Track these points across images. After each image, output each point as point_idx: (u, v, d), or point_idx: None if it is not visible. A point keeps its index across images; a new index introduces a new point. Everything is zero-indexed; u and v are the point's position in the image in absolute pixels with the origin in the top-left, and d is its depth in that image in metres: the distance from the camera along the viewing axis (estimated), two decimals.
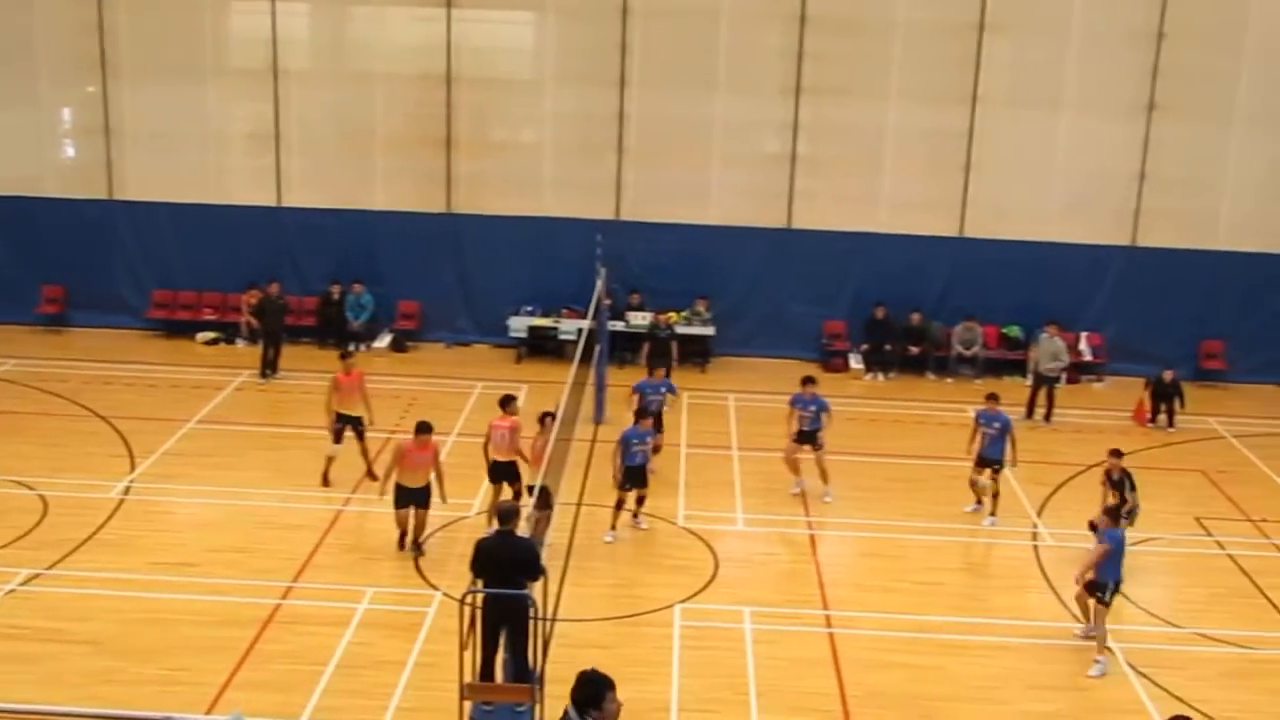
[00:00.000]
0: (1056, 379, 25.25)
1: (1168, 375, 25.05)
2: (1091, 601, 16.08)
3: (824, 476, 20.79)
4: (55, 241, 28.73)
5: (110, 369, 25.97)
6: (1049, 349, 25.10)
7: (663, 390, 21.60)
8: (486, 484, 19.72)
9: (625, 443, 18.99)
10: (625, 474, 18.90)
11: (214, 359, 27.17)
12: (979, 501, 20.21)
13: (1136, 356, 26.85)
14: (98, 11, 27.74)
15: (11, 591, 16.72)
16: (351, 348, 24.37)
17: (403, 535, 18.23)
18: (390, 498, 18.00)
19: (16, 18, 27.98)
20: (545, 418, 18.57)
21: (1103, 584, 15.86)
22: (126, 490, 20.20)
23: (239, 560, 17.87)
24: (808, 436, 20.83)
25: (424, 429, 18.06)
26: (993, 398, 20.44)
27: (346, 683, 14.94)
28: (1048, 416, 25.02)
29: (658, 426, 20.96)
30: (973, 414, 20.54)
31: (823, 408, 20.72)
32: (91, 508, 19.37)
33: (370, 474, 20.35)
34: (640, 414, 20.05)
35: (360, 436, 20.65)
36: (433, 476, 18.07)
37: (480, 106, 28.23)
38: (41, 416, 23.10)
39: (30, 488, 19.88)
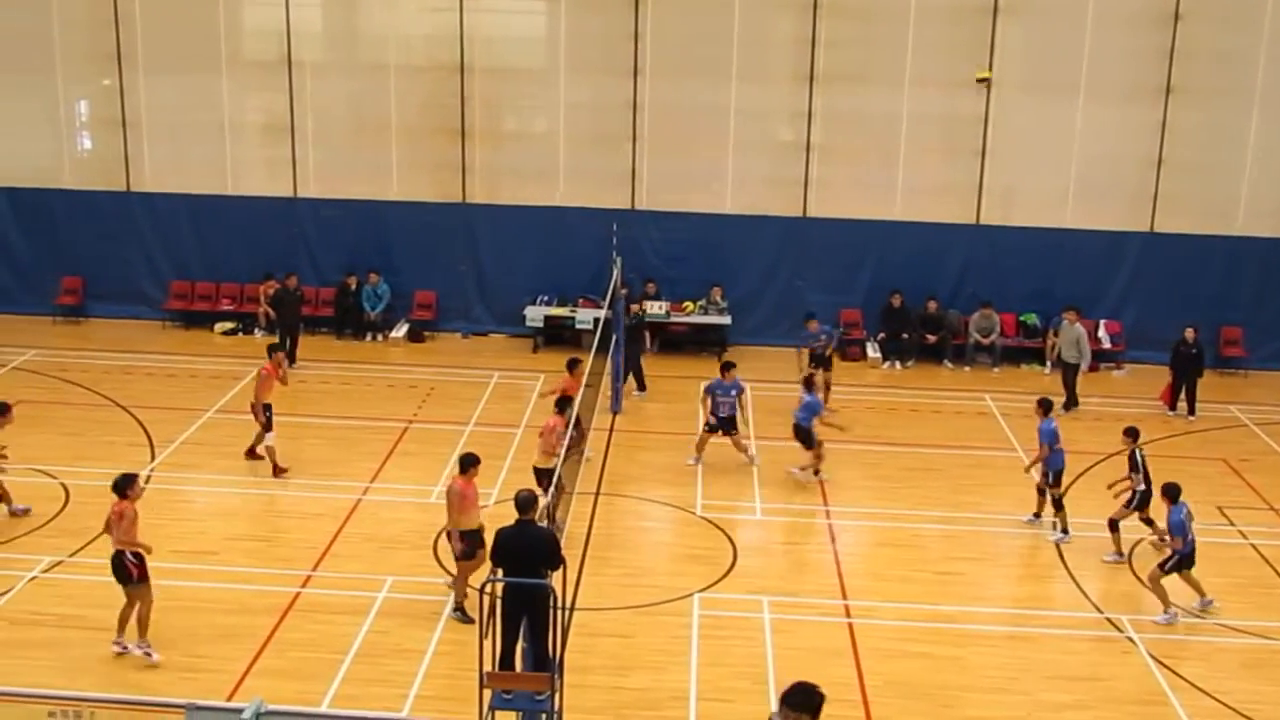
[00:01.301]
0: (1077, 365, 25.04)
1: (1189, 333, 24.76)
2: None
3: (744, 450, 21.33)
4: (74, 233, 28.87)
5: (130, 359, 26.05)
6: (1070, 336, 24.95)
7: (733, 392, 21.51)
8: (504, 473, 19.80)
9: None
10: (718, 421, 21.03)
11: (232, 349, 27.25)
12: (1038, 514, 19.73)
13: (1155, 344, 26.71)
14: (114, 5, 27.82)
15: (34, 578, 16.84)
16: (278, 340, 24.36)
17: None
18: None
19: (34, 11, 28.08)
20: (562, 404, 18.62)
21: (1165, 560, 16.87)
22: (146, 479, 20.23)
23: (259, 549, 17.95)
24: (726, 423, 21.11)
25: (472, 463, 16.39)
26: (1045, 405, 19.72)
27: (366, 671, 15.01)
28: (1069, 405, 24.83)
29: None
30: (1047, 427, 19.29)
31: (741, 390, 21.38)
32: (112, 496, 19.38)
33: (252, 452, 20.92)
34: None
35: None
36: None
37: (494, 96, 28.24)
38: (62, 406, 23.19)
39: (52, 476, 19.98)
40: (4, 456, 18.44)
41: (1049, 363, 26.94)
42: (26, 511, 18.59)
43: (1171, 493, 16.83)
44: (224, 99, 28.44)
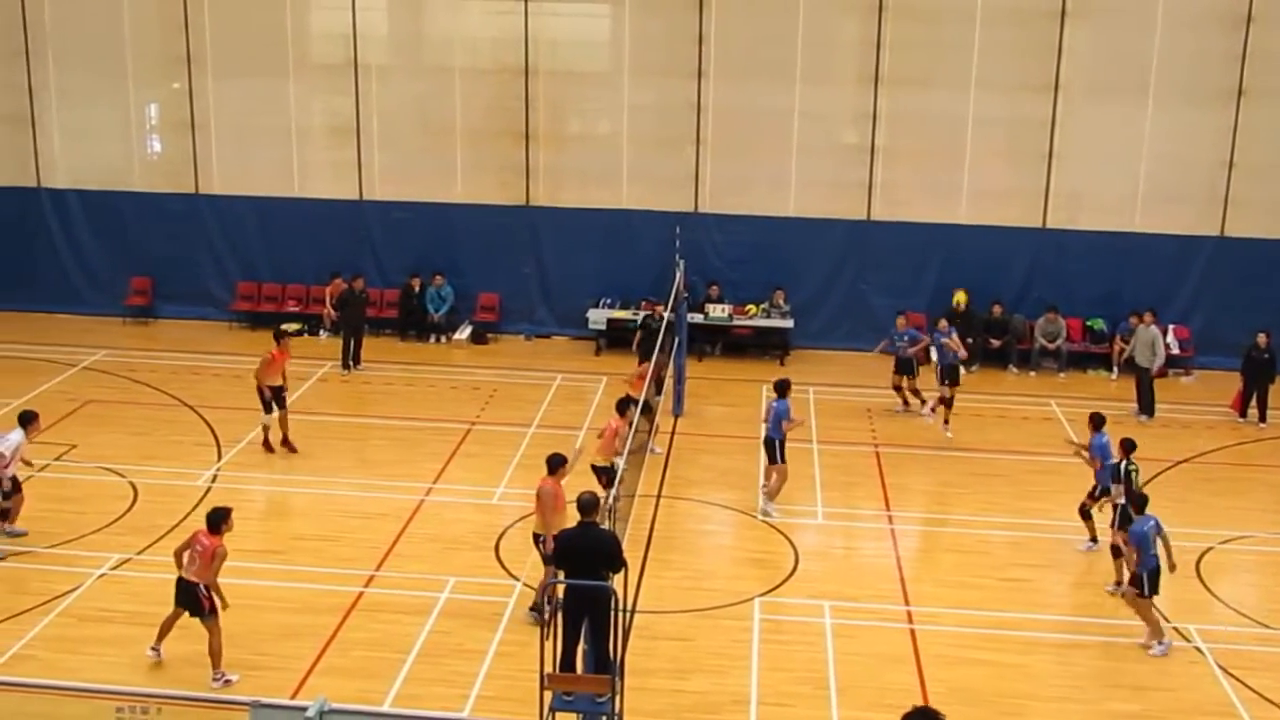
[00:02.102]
0: (1149, 369, 24.69)
1: (1262, 338, 24.31)
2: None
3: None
4: (143, 234, 29.27)
5: (197, 359, 26.35)
6: (1145, 338, 24.59)
7: (905, 337, 23.45)
8: (567, 475, 19.86)
9: (891, 339, 23.65)
10: (896, 364, 23.30)
11: (297, 350, 27.27)
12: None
13: (1224, 349, 26.30)
14: (184, 9, 28.15)
15: (102, 575, 17.06)
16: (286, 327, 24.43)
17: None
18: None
19: (107, 17, 28.48)
20: (623, 406, 18.64)
21: (1138, 577, 15.90)
22: (213, 478, 20.51)
23: (323, 548, 18.08)
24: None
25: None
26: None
27: (428, 671, 15.09)
28: (1147, 410, 24.46)
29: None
30: (1099, 442, 18.53)
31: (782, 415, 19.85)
32: (179, 495, 19.68)
33: (285, 442, 21.34)
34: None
35: (282, 404, 21.37)
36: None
37: (558, 99, 28.31)
38: (131, 405, 23.49)
39: (120, 474, 20.24)
40: (29, 464, 18.52)
41: (1115, 368, 26.63)
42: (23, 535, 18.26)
43: (1140, 503, 16.25)
44: (291, 102, 28.71)
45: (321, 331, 28.15)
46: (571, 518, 13.46)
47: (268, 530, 18.79)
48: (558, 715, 12.63)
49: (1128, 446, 17.70)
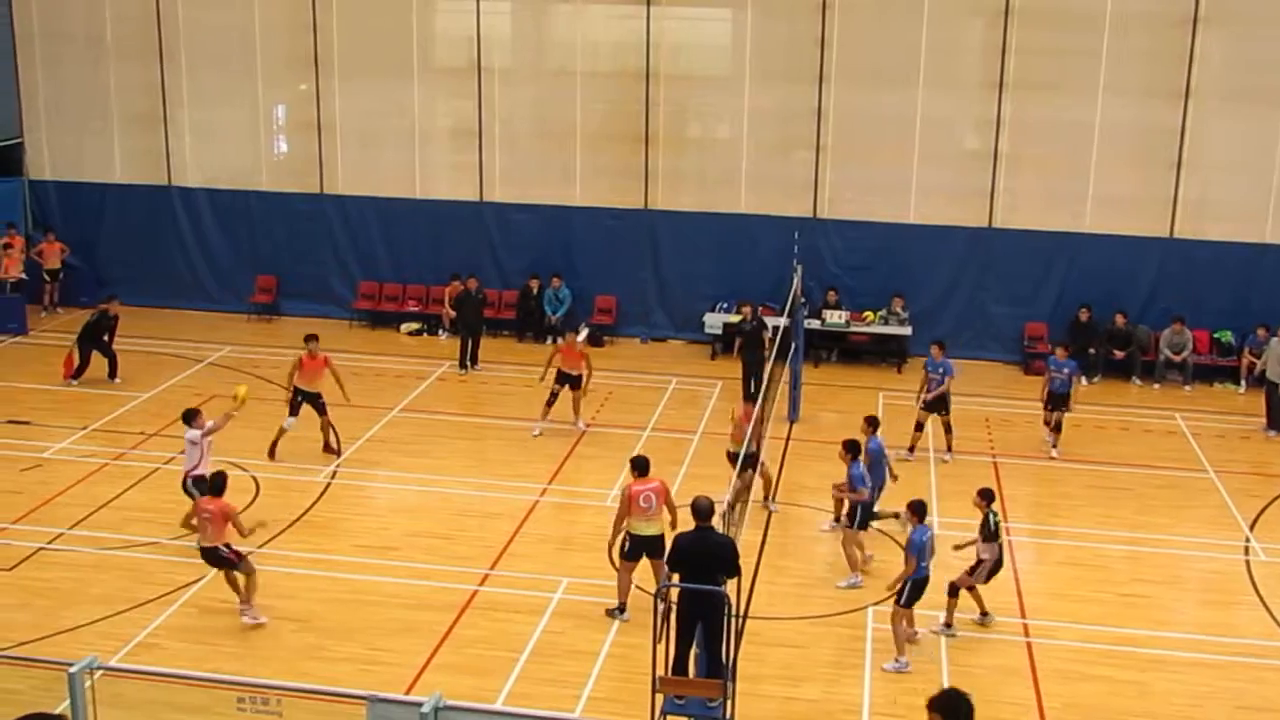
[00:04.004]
0: None
1: None
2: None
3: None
4: (269, 233, 29.88)
5: None
6: (1277, 352, 23.91)
7: (1066, 370, 21.99)
8: (680, 479, 19.86)
9: (1047, 368, 22.40)
10: (1048, 398, 22.03)
11: (416, 350, 27.84)
12: None
13: None
14: (312, 12, 28.66)
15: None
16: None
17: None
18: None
19: (237, 19, 29.13)
20: (749, 400, 18.75)
21: (903, 584, 15.53)
22: (333, 475, 20.85)
23: (438, 546, 18.29)
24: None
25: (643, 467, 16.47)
26: None
27: (540, 670, 15.19)
28: (1277, 425, 23.82)
29: (1065, 406, 21.98)
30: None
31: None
32: (299, 490, 20.06)
33: (327, 447, 21.49)
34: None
35: (322, 411, 21.43)
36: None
37: (678, 103, 28.34)
38: (254, 401, 23.63)
39: (243, 469, 20.65)
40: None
41: (1244, 381, 26.01)
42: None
43: (919, 510, 15.74)
44: (415, 104, 29.08)
45: (441, 332, 28.47)
46: (682, 522, 13.44)
47: (385, 527, 19.04)
48: (669, 719, 12.64)
49: (987, 496, 16.58)
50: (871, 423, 18.59)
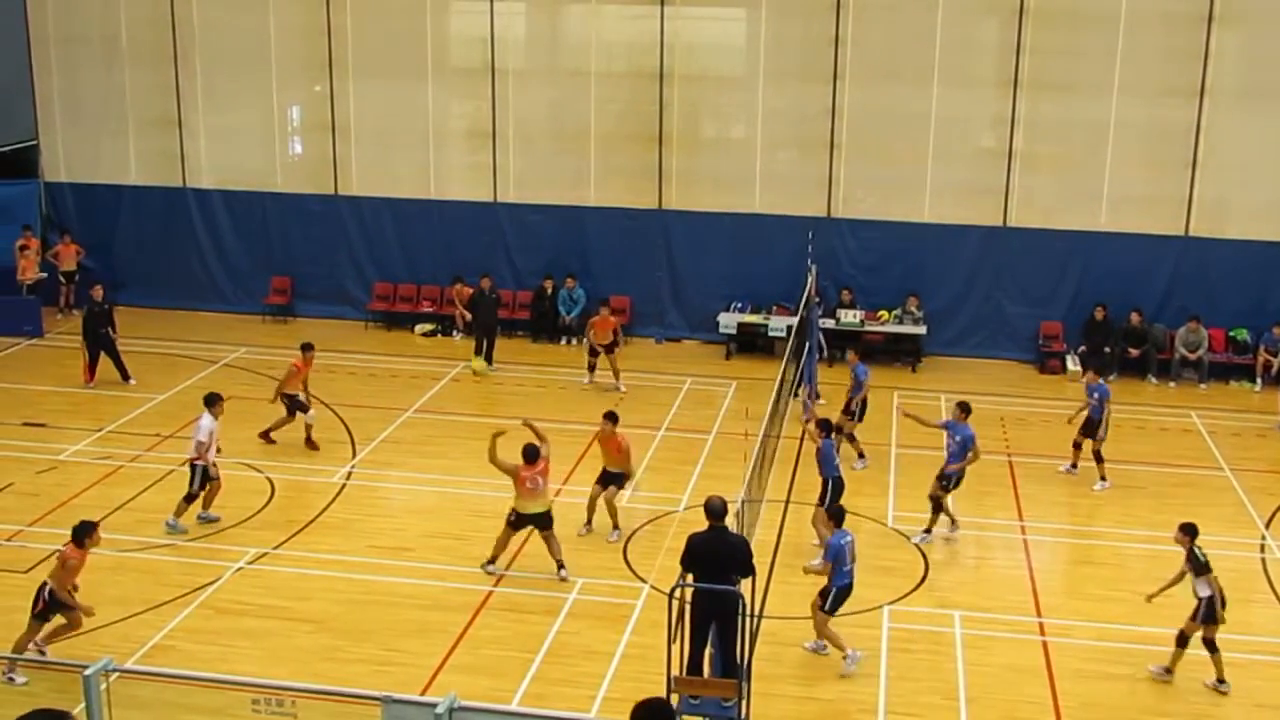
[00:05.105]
0: None
1: None
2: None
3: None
4: (283, 234, 29.96)
5: (333, 358, 26.74)
6: None
7: (1097, 395, 21.05)
8: (694, 479, 19.87)
9: (1090, 392, 21.19)
10: (1085, 425, 21.12)
11: (431, 350, 27.87)
12: None
13: None
14: (326, 14, 28.71)
15: (240, 569, 17.45)
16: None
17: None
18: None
19: (252, 21, 29.18)
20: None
21: (824, 591, 15.41)
22: (348, 475, 20.89)
23: (453, 546, 18.31)
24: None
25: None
26: None
27: (556, 670, 15.20)
28: None
29: (1095, 433, 21.09)
30: None
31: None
32: (315, 491, 20.11)
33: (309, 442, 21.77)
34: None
35: (300, 410, 21.79)
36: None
37: (692, 103, 28.33)
38: (269, 402, 23.93)
39: (259, 470, 20.70)
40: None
41: (1259, 379, 25.94)
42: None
43: (838, 517, 15.64)
44: (429, 106, 29.11)
45: (455, 333, 28.50)
46: (698, 522, 13.43)
47: (400, 528, 19.07)
48: (685, 719, 12.63)
49: (1190, 530, 15.55)
50: (825, 427, 18.52)
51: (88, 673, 10.22)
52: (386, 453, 21.93)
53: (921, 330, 27.26)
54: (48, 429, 22.53)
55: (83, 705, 10.23)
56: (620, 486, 18.92)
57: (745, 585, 12.67)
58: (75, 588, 15.12)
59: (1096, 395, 21.23)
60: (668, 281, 28.73)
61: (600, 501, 18.67)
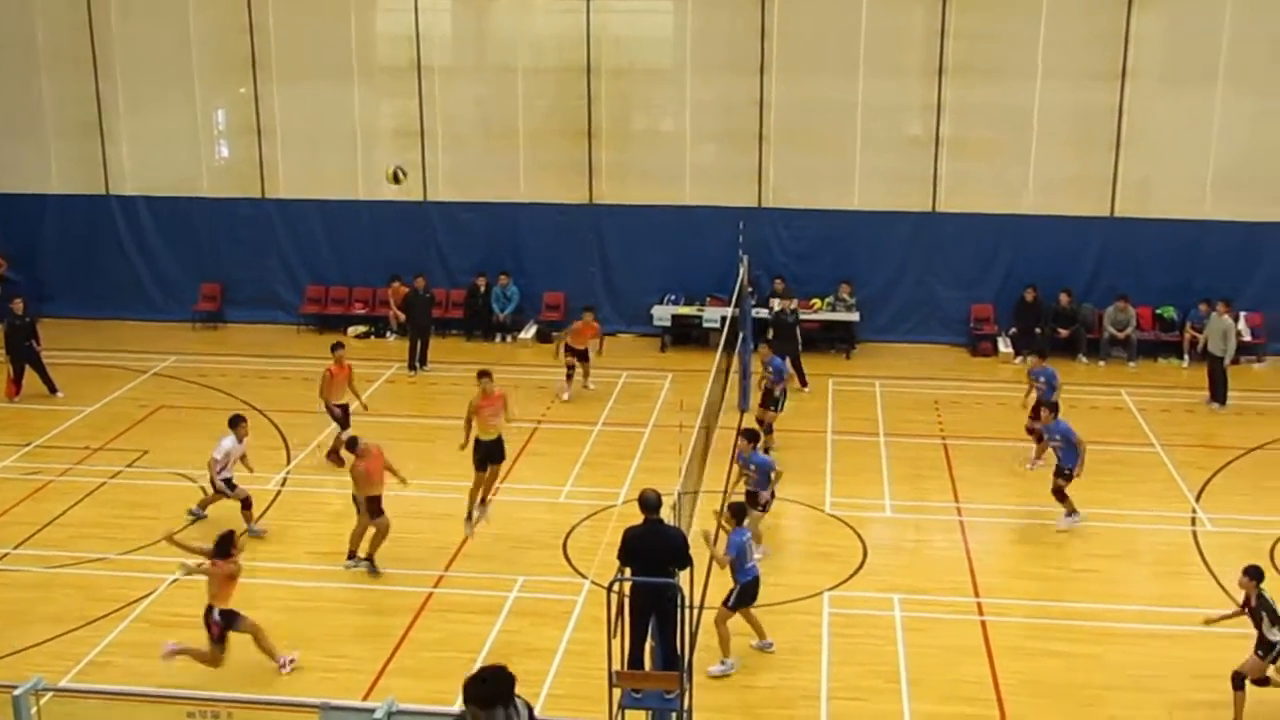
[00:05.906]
0: (1222, 358, 24.26)
1: None
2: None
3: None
4: (212, 240, 29.63)
5: (266, 363, 26.60)
6: (1219, 328, 24.20)
7: (1042, 378, 21.36)
8: (632, 473, 19.86)
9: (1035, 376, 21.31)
10: (1034, 408, 20.78)
11: (365, 352, 27.65)
12: None
13: None
14: (248, 14, 28.42)
15: (175, 581, 17.22)
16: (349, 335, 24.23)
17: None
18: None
19: (172, 24, 28.81)
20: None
21: (731, 590, 15.30)
22: (283, 482, 20.71)
23: (391, 550, 18.11)
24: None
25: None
26: None
27: None
28: (1219, 398, 24.09)
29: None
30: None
31: None
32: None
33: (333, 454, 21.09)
34: None
35: (345, 424, 21.21)
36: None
37: (621, 97, 28.31)
38: (201, 410, 23.68)
39: (192, 480, 20.43)
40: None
41: (1187, 356, 26.29)
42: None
43: (738, 513, 15.58)
44: (356, 105, 28.91)
45: (389, 333, 28.34)
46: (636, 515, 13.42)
47: (338, 533, 18.84)
48: (627, 713, 12.62)
49: (1256, 575, 14.52)
50: (750, 436, 18.38)
51: (17, 693, 10.07)
52: (321, 457, 21.74)
53: (854, 317, 27.40)
54: None
55: None
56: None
57: (684, 577, 12.67)
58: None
59: (1043, 379, 21.40)
60: (600, 276, 28.71)
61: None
